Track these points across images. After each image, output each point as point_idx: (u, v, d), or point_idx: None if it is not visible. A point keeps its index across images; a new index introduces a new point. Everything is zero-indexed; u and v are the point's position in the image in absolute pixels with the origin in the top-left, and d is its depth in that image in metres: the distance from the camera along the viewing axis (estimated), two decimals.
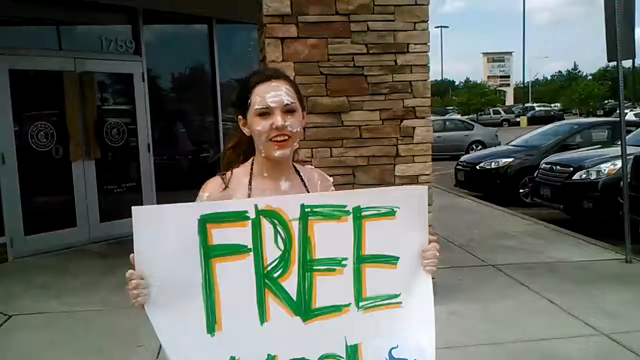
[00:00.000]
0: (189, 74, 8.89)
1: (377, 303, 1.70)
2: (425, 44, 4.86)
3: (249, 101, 1.72)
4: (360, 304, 1.69)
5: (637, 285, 5.54)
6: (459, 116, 37.61)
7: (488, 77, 77.43)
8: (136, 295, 1.53)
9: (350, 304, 1.68)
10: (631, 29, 6.36)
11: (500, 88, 72.03)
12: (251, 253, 1.58)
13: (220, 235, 1.56)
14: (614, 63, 6.44)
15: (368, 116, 4.80)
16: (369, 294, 1.69)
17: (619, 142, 6.97)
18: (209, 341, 1.57)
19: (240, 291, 1.59)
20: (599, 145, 10.37)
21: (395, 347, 1.70)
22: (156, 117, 8.09)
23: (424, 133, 4.91)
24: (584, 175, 8.52)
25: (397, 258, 1.71)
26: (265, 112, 1.69)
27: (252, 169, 1.78)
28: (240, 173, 1.78)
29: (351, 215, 1.65)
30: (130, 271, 1.54)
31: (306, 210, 1.61)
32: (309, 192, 1.81)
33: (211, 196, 1.74)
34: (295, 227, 1.61)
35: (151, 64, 7.89)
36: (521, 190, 10.99)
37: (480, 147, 19.86)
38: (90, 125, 7.33)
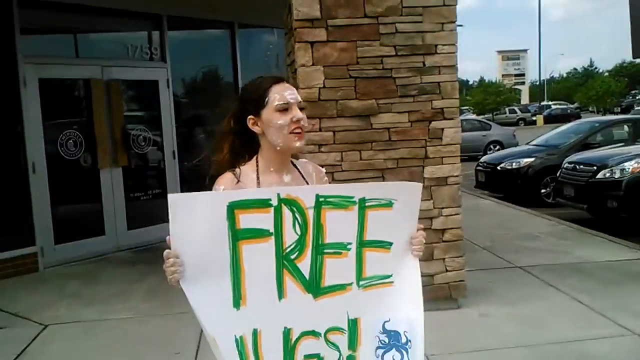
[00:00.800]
0: (212, 79, 8.94)
1: (374, 282, 1.90)
2: (453, 44, 4.85)
3: (267, 99, 1.91)
4: (360, 282, 1.89)
5: None
6: (475, 116, 37.35)
7: (503, 75, 76.78)
8: (172, 272, 1.71)
9: (352, 283, 1.88)
10: None
11: (516, 87, 71.32)
12: (273, 237, 1.77)
13: (246, 220, 1.74)
14: (630, 59, 6.39)
15: (397, 118, 4.79)
16: (367, 274, 1.89)
17: None
18: (235, 314, 1.76)
19: (262, 270, 1.77)
20: (622, 143, 10.26)
21: (388, 321, 1.91)
22: (180, 124, 8.14)
23: (452, 134, 4.88)
24: (607, 174, 8.43)
25: (391, 243, 1.91)
26: (285, 108, 1.90)
27: (257, 165, 1.97)
28: (247, 169, 1.97)
29: (357, 205, 1.84)
30: (167, 251, 1.72)
31: (320, 199, 1.80)
32: (307, 183, 2.03)
33: (226, 189, 1.91)
34: (310, 214, 1.80)
35: (175, 70, 7.93)
36: (543, 191, 10.91)
37: (498, 147, 19.74)
38: (117, 133, 7.38)
